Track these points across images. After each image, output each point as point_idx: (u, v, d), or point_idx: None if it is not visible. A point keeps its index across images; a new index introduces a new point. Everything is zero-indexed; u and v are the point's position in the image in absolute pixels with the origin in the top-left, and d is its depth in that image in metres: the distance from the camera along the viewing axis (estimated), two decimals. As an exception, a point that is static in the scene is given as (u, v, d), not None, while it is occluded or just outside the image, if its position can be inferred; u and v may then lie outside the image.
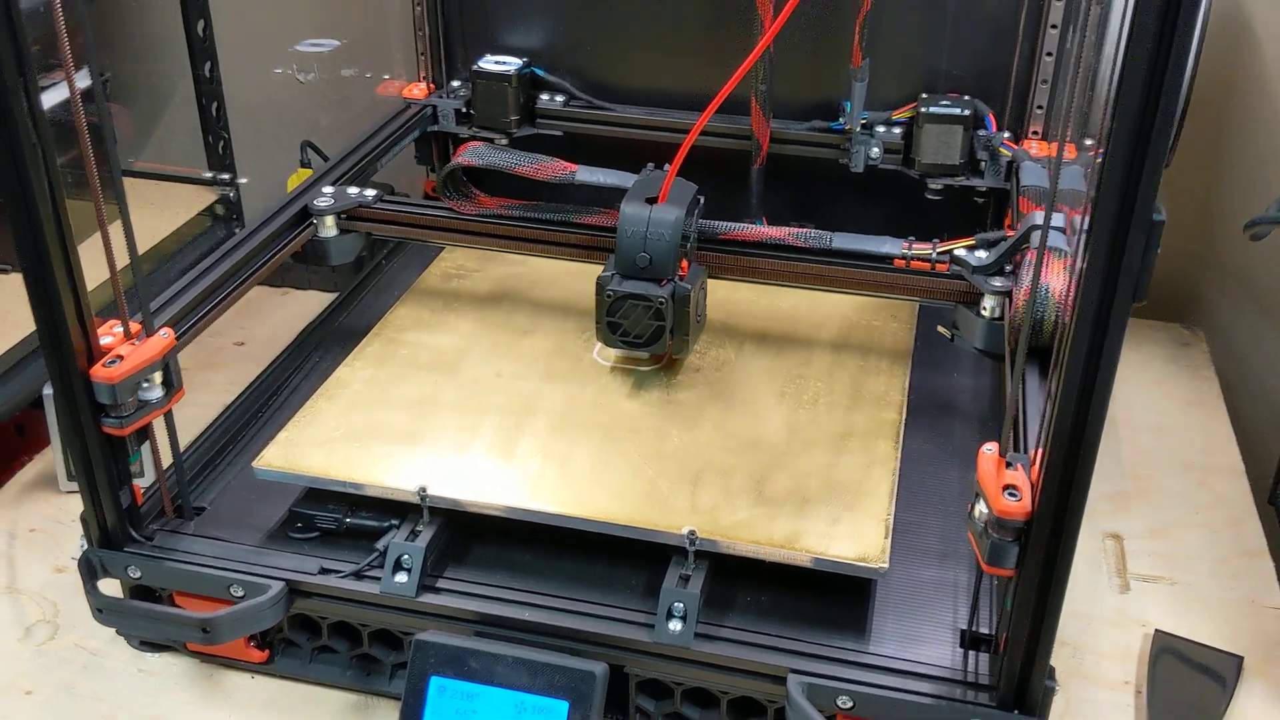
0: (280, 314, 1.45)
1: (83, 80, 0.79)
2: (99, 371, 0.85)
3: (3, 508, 1.15)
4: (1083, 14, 1.19)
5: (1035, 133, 1.28)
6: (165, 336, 0.89)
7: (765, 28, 1.22)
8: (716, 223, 1.09)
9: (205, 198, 1.55)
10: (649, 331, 1.03)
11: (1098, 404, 0.68)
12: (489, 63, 1.36)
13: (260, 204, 1.57)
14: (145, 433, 0.91)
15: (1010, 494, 0.74)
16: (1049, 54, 1.23)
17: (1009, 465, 0.77)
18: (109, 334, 0.88)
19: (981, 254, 1.03)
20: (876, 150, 1.29)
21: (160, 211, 1.51)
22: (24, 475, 1.20)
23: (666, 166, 1.06)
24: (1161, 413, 1.30)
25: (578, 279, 1.16)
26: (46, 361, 0.85)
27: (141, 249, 0.89)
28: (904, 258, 1.06)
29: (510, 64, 1.35)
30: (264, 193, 1.59)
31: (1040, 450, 0.75)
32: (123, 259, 0.87)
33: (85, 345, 0.85)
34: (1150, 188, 0.62)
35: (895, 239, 1.07)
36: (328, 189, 1.17)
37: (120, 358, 0.86)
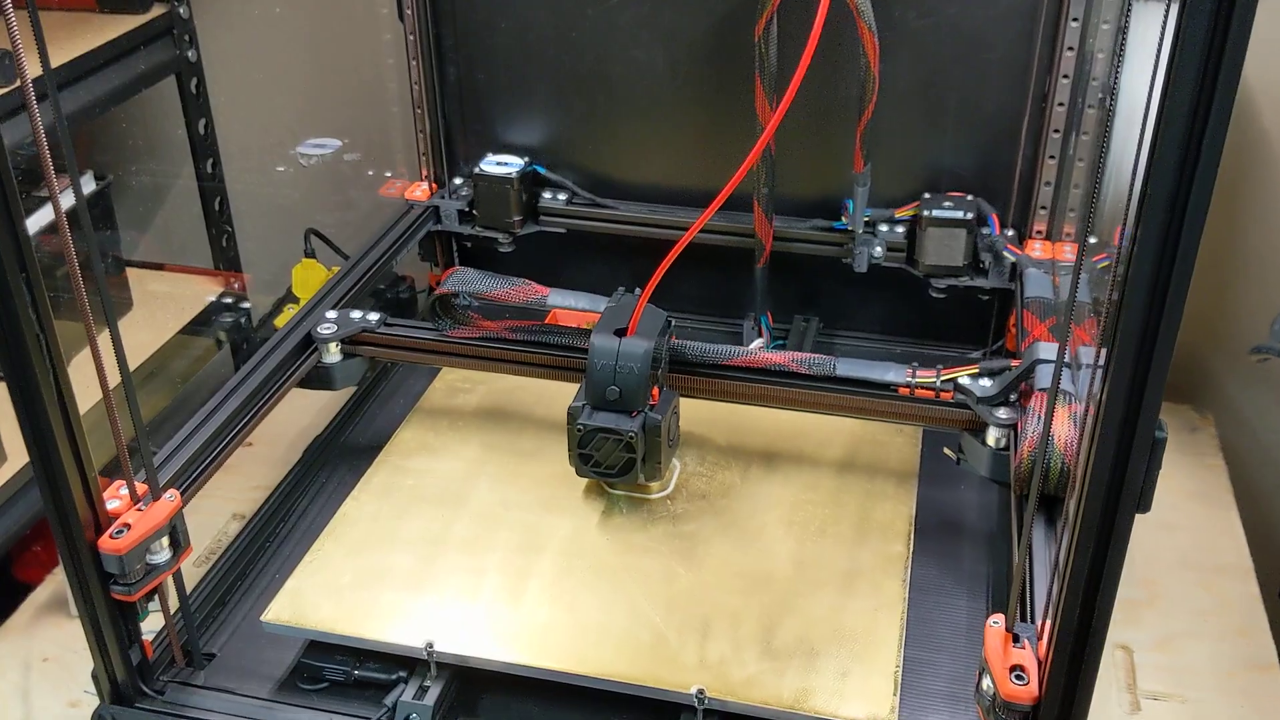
0: (288, 407, 1.44)
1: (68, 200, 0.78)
2: (106, 543, 0.85)
3: (16, 633, 1.16)
4: (1084, 118, 1.19)
5: (1039, 232, 1.27)
6: (171, 500, 0.90)
7: (763, 132, 1.21)
8: (721, 347, 1.09)
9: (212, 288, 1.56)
10: (620, 463, 1.02)
11: (1103, 607, 0.68)
12: (491, 164, 1.35)
13: (265, 295, 1.58)
14: (155, 590, 0.91)
15: (1017, 677, 0.74)
16: (1051, 157, 1.22)
17: (1016, 641, 0.77)
18: (115, 497, 0.88)
19: (986, 383, 1.03)
20: (880, 250, 1.28)
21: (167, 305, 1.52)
22: (38, 596, 1.20)
23: (638, 291, 1.06)
24: (1169, 508, 1.29)
25: (579, 393, 1.16)
26: (53, 533, 0.85)
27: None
28: (908, 385, 1.05)
29: (512, 165, 1.35)
30: (269, 282, 1.60)
31: (1047, 622, 0.76)
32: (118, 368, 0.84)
33: (92, 516, 0.85)
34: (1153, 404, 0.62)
35: (899, 365, 1.06)
36: (331, 314, 1.17)
37: (127, 526, 0.86)
